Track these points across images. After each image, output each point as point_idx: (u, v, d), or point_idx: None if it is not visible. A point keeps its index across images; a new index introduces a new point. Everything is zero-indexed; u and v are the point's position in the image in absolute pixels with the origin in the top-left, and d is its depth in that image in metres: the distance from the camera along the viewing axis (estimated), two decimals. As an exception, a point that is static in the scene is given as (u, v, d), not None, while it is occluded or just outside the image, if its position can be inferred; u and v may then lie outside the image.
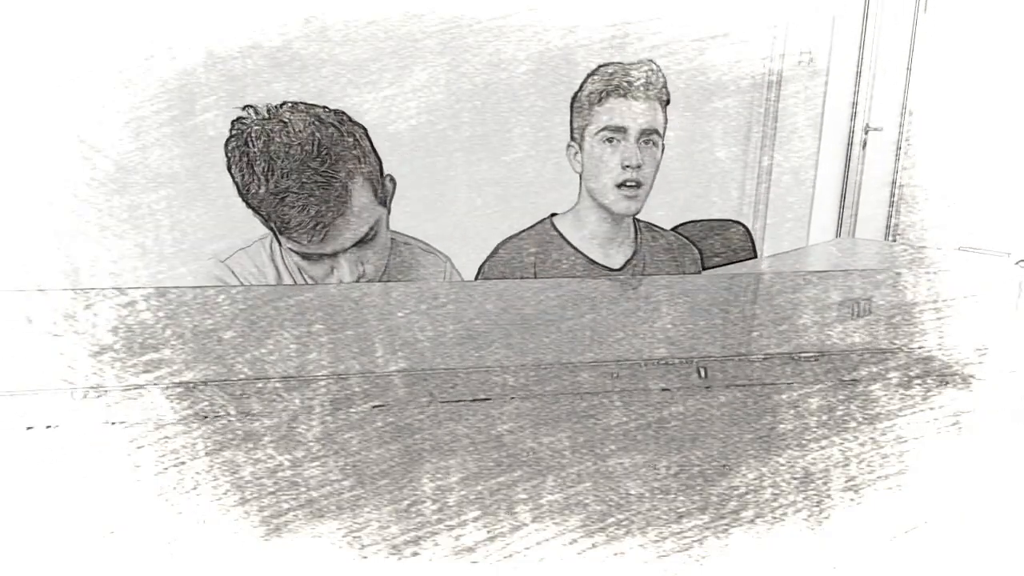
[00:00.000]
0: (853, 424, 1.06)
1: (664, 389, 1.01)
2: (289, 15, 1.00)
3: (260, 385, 0.87)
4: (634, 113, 1.33)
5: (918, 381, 1.06)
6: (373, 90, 1.02)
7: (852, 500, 1.06)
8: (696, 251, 1.52)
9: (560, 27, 1.02)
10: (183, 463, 0.92)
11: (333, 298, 1.02)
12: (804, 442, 1.08)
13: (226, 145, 1.10)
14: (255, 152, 1.07)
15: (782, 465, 1.06)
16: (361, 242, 1.16)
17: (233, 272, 1.25)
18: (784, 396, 1.04)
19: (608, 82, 1.33)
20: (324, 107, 1.14)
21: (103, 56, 0.99)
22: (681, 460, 1.02)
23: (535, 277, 1.36)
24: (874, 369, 1.05)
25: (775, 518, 1.06)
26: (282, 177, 1.07)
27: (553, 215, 1.48)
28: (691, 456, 1.01)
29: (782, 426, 1.05)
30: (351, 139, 1.12)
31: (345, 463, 0.95)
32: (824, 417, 1.08)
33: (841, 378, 1.02)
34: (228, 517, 0.93)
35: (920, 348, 1.07)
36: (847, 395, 1.08)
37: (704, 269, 1.59)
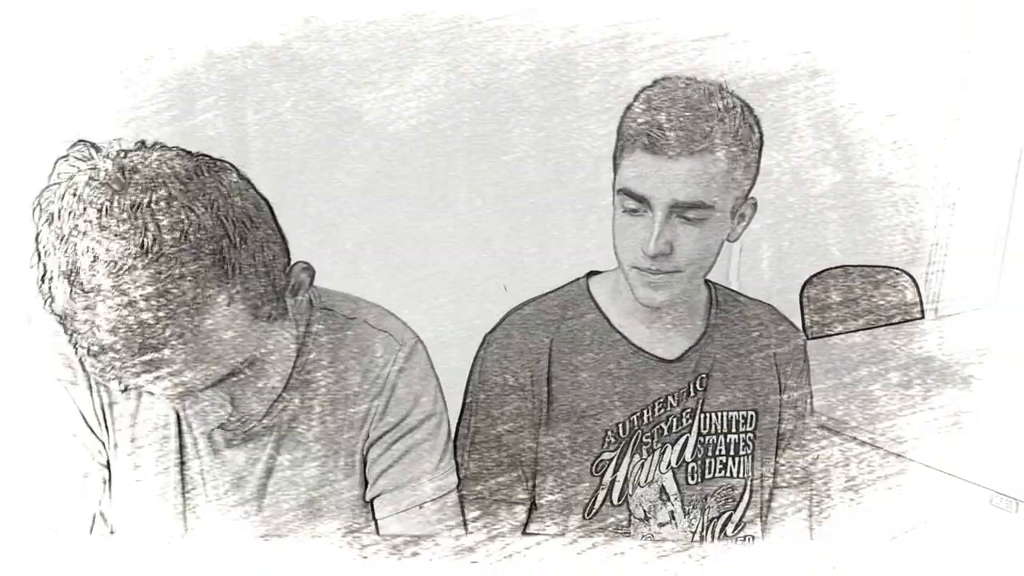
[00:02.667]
0: (853, 424, 1.06)
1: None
2: (289, 15, 1.00)
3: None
4: (665, 179, 0.89)
5: (918, 381, 1.06)
6: (373, 90, 1.02)
7: (852, 500, 1.06)
8: (800, 336, 1.05)
9: (560, 27, 1.02)
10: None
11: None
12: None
13: (39, 195, 0.77)
14: (56, 226, 0.74)
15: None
16: (228, 377, 0.80)
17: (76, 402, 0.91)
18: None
19: (633, 119, 0.91)
20: (208, 168, 0.77)
21: (103, 56, 0.99)
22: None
23: (550, 364, 0.98)
24: (874, 369, 1.05)
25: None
26: (90, 265, 0.72)
27: (591, 275, 1.05)
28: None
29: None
30: (219, 232, 0.74)
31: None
32: (824, 417, 1.08)
33: (841, 379, 1.02)
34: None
35: (920, 348, 1.07)
36: (847, 395, 1.08)
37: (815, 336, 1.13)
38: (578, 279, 1.04)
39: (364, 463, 0.95)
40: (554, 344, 1.00)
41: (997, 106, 1.06)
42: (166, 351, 0.75)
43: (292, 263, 0.85)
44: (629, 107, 0.94)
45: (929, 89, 1.03)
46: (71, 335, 0.76)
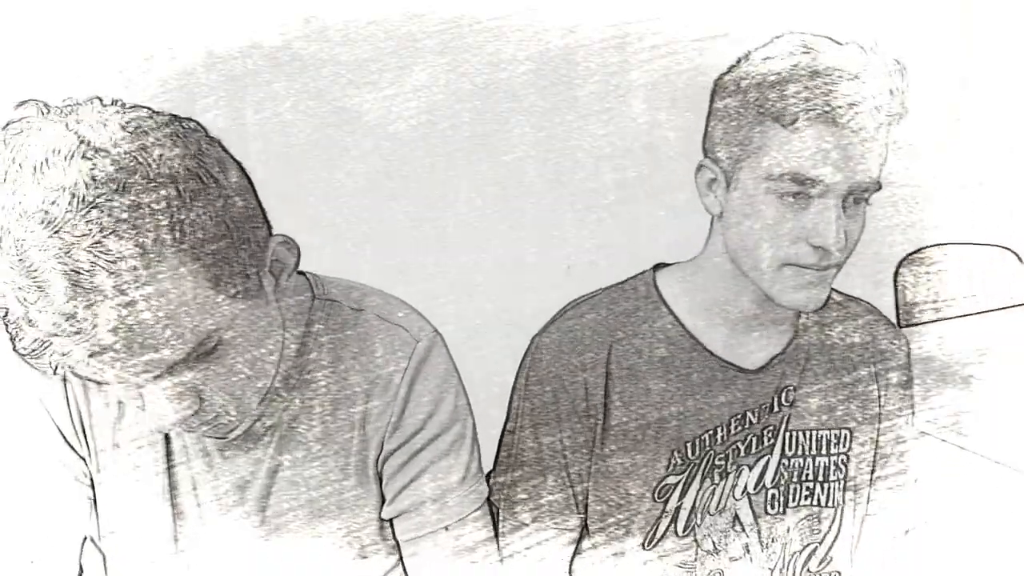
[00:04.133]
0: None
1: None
2: (289, 15, 1.00)
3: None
4: (848, 157, 0.75)
5: (918, 381, 1.06)
6: (373, 90, 1.02)
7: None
8: (905, 342, 0.91)
9: (560, 27, 1.02)
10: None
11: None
12: (834, 419, 1.07)
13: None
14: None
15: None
16: (189, 361, 0.70)
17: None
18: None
19: (810, 84, 0.75)
20: (155, 113, 0.69)
21: (103, 56, 0.99)
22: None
23: (608, 373, 0.84)
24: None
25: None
26: (16, 248, 0.63)
27: (659, 267, 0.92)
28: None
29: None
30: (166, 191, 0.65)
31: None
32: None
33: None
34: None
35: (920, 348, 1.07)
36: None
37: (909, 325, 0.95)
38: (643, 272, 0.90)
39: (380, 478, 0.86)
40: (613, 350, 0.86)
41: (997, 106, 1.06)
42: (100, 332, 0.65)
43: (271, 239, 0.76)
44: (747, 61, 0.79)
45: (929, 89, 1.03)
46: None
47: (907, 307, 0.97)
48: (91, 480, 0.88)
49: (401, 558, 0.89)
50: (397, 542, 0.87)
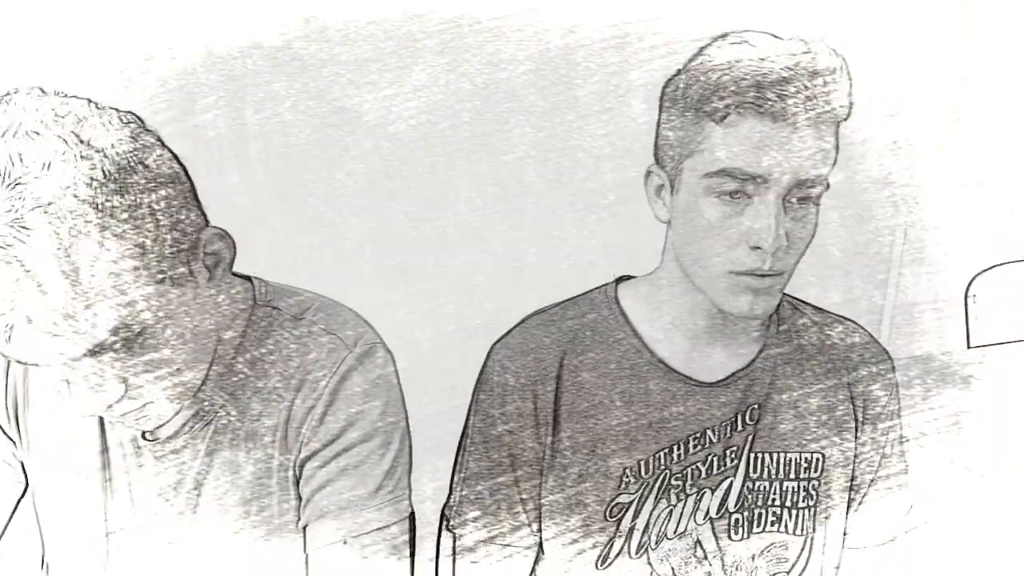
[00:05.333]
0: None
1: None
2: (289, 15, 1.00)
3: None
4: (785, 150, 0.73)
5: (918, 381, 1.06)
6: (373, 90, 1.02)
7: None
8: (889, 365, 0.87)
9: (560, 27, 1.02)
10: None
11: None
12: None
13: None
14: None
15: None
16: (109, 347, 0.70)
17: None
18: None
19: (739, 80, 0.72)
20: (65, 97, 0.72)
21: (103, 56, 0.99)
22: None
23: (558, 382, 0.81)
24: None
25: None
26: None
27: (621, 280, 0.90)
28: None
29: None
30: (87, 164, 0.67)
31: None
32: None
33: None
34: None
35: (920, 348, 1.07)
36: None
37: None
38: (606, 284, 0.88)
39: (297, 483, 0.85)
40: (565, 361, 0.84)
41: (997, 106, 1.06)
42: (18, 305, 0.66)
43: (205, 230, 0.77)
44: (692, 62, 0.77)
45: (929, 89, 1.03)
46: None
47: (977, 326, 0.92)
48: (22, 465, 0.88)
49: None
50: (306, 556, 0.85)
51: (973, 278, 0.93)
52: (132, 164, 0.71)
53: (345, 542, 0.82)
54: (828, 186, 0.77)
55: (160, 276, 0.72)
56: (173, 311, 0.74)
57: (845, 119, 0.77)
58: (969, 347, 0.92)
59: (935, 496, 1.06)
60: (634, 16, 1.01)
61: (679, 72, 0.79)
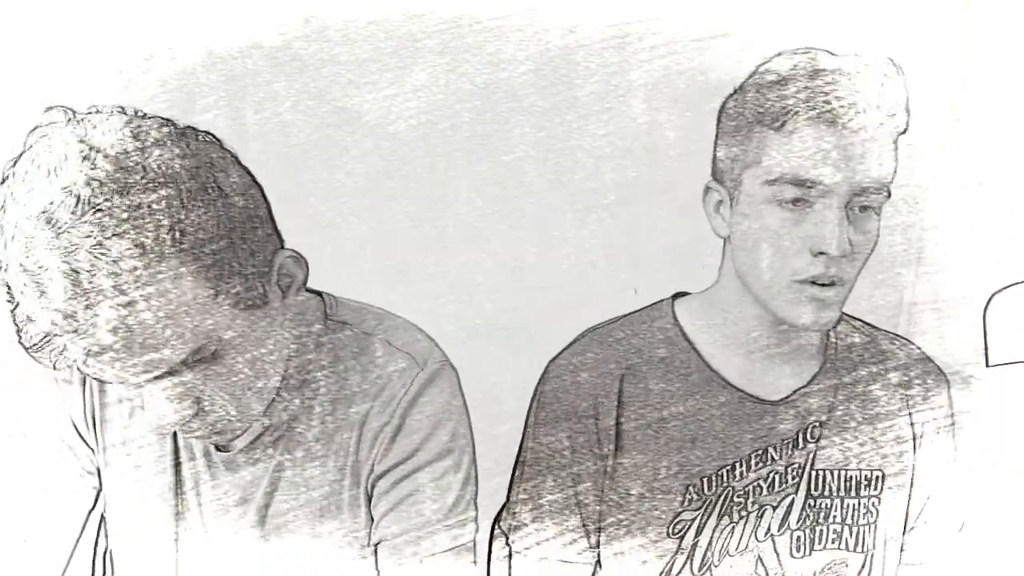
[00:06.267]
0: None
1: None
2: (289, 15, 1.00)
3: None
4: (847, 157, 0.74)
5: (918, 381, 1.06)
6: (373, 90, 1.02)
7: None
8: (943, 382, 0.87)
9: (560, 27, 1.02)
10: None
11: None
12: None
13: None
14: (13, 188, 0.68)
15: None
16: (189, 365, 0.72)
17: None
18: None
19: (798, 89, 0.73)
20: (154, 119, 0.72)
21: (103, 56, 0.99)
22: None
23: (620, 400, 0.82)
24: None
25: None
26: (26, 247, 0.65)
27: (678, 296, 0.89)
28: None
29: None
30: (167, 191, 0.67)
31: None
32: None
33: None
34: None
35: (920, 348, 1.07)
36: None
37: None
38: (662, 301, 0.87)
39: (369, 500, 0.86)
40: (626, 378, 0.83)
41: (997, 106, 1.06)
42: (99, 332, 0.67)
43: (279, 254, 0.78)
44: (752, 78, 0.77)
45: (929, 89, 1.03)
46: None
47: (996, 343, 0.90)
48: (99, 473, 0.90)
49: None
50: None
51: (993, 295, 0.92)
52: (203, 181, 0.71)
53: (421, 562, 0.82)
54: (890, 195, 0.78)
55: (235, 294, 0.73)
56: (247, 331, 0.75)
57: (904, 131, 0.77)
58: (988, 365, 0.89)
59: (935, 496, 1.06)
60: (634, 16, 1.01)
61: (736, 91, 0.80)
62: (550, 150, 1.04)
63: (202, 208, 0.70)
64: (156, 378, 0.72)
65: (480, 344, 1.06)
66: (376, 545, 0.86)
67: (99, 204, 0.66)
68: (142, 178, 0.68)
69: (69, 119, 0.71)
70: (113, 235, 0.66)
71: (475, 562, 0.85)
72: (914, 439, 0.86)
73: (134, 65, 0.99)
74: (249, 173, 0.78)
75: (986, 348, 0.90)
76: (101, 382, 0.85)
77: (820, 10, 1.01)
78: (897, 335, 0.88)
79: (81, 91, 0.99)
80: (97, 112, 0.73)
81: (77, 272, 0.66)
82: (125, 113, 0.73)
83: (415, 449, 0.83)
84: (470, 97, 1.03)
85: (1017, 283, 0.92)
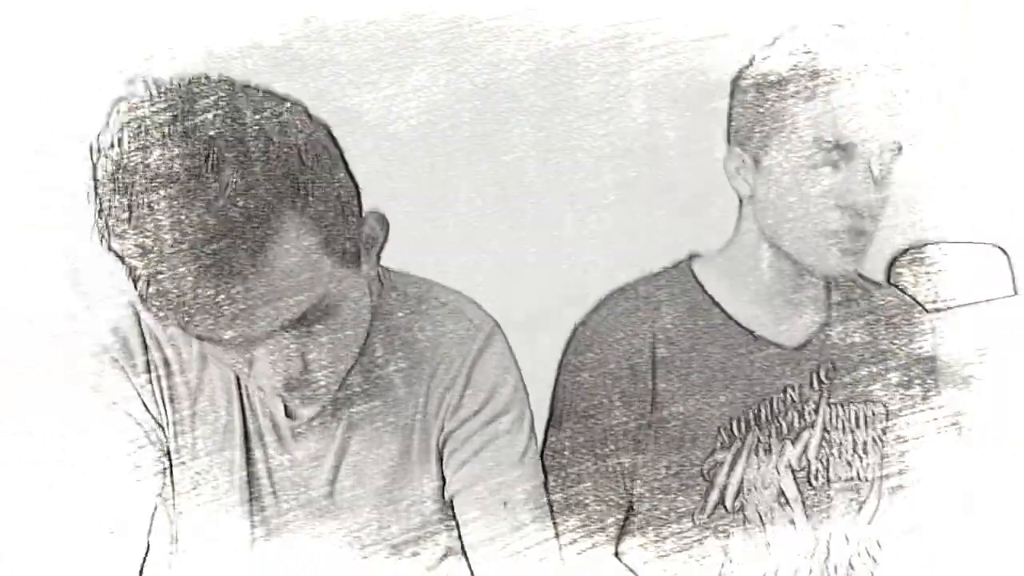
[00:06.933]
0: (860, 363, 1.05)
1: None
2: (289, 15, 1.00)
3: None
4: (873, 118, 0.81)
5: (918, 381, 1.06)
6: (373, 90, 1.02)
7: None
8: (925, 318, 0.96)
9: (560, 27, 1.02)
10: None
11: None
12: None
13: (94, 147, 0.72)
14: (124, 160, 0.69)
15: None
16: (300, 323, 0.73)
17: (139, 321, 0.85)
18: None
19: (822, 57, 0.80)
20: (265, 91, 0.77)
21: (103, 56, 0.99)
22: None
23: (653, 357, 0.88)
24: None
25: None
26: (148, 210, 0.67)
27: (693, 257, 0.96)
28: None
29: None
30: (289, 153, 0.71)
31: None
32: (886, 371, 1.07)
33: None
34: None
35: (920, 348, 1.07)
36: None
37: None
38: (680, 262, 0.95)
39: (440, 458, 0.89)
40: (657, 336, 0.90)
41: (997, 106, 1.06)
42: (238, 290, 0.68)
43: (366, 212, 0.81)
44: (765, 58, 0.84)
45: (929, 89, 1.03)
46: (136, 281, 0.71)
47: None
48: (167, 452, 0.90)
49: (461, 539, 0.90)
50: (457, 522, 0.89)
51: (895, 259, 1.02)
52: (323, 146, 0.76)
53: (505, 504, 0.86)
54: (902, 151, 0.84)
55: (343, 255, 0.75)
56: (348, 290, 0.77)
57: (909, 91, 0.83)
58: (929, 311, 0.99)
59: (935, 496, 1.06)
60: (634, 16, 1.01)
61: (750, 63, 0.87)
62: (550, 150, 1.05)
63: (328, 176, 0.75)
64: (271, 334, 0.72)
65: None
66: (452, 498, 0.88)
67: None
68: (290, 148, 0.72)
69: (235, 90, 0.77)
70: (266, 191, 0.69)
71: (546, 502, 0.89)
72: (908, 369, 0.95)
73: (134, 65, 0.99)
74: (334, 141, 0.81)
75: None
76: (166, 363, 0.86)
77: (819, 11, 1.01)
78: (879, 283, 0.97)
79: (81, 91, 0.99)
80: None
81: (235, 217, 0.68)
82: (274, 97, 0.78)
83: (483, 404, 0.87)
84: (470, 97, 1.03)
85: (922, 245, 1.00)
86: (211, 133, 0.70)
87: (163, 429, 0.88)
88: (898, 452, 1.03)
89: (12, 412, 0.96)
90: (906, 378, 0.98)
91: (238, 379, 0.86)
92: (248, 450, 0.88)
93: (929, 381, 0.98)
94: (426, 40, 1.01)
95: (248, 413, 0.88)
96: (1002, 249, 0.98)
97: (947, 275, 1.02)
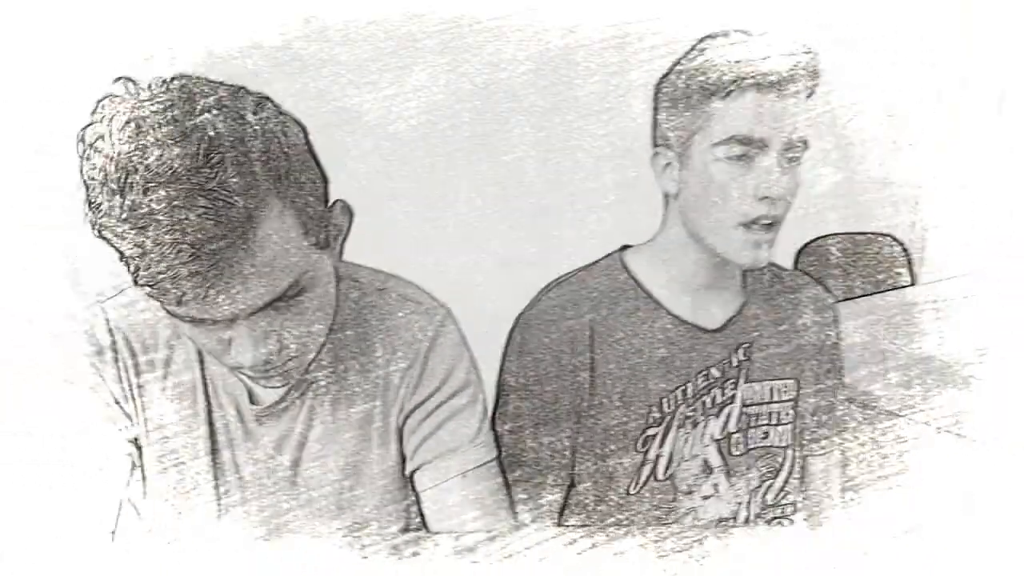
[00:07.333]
0: (853, 424, 1.07)
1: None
2: (289, 15, 1.00)
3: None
4: (780, 116, 0.90)
5: (918, 381, 1.06)
6: (373, 90, 1.02)
7: (852, 500, 1.06)
8: (833, 303, 1.06)
9: (560, 27, 1.02)
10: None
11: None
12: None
13: (81, 135, 0.76)
14: (111, 150, 0.72)
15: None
16: (276, 303, 0.78)
17: (107, 319, 0.91)
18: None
19: (735, 63, 0.90)
20: (240, 88, 0.80)
21: (103, 56, 0.99)
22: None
23: (591, 341, 0.97)
24: (874, 369, 1.05)
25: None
26: (143, 194, 0.70)
27: (625, 248, 1.05)
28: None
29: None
30: (271, 143, 0.76)
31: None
32: (824, 417, 1.08)
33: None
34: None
35: (920, 348, 1.07)
36: (847, 395, 1.08)
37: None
38: (612, 253, 1.02)
39: (400, 437, 0.94)
40: (593, 322, 0.99)
41: (997, 106, 1.06)
42: (229, 269, 0.73)
43: (334, 201, 0.86)
44: (686, 58, 0.93)
45: (929, 89, 1.03)
46: (126, 262, 0.75)
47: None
48: (136, 442, 0.95)
49: (422, 514, 0.95)
50: (417, 497, 0.95)
51: (800, 250, 1.10)
52: (294, 139, 0.81)
53: (464, 475, 0.93)
54: (808, 146, 0.93)
55: (315, 239, 0.81)
56: (318, 273, 0.82)
57: (811, 95, 0.93)
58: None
59: (935, 496, 1.06)
60: (634, 16, 1.01)
61: (671, 70, 0.95)
62: (550, 150, 1.05)
63: (297, 159, 0.80)
64: (251, 314, 0.77)
65: (480, 344, 1.05)
66: (413, 473, 0.94)
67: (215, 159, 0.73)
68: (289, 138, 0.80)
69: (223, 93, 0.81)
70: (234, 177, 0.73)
71: (501, 475, 0.96)
72: (816, 346, 1.04)
73: (134, 65, 0.99)
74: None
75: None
76: (132, 352, 0.91)
77: (819, 10, 1.01)
78: (792, 269, 1.06)
79: (81, 91, 0.99)
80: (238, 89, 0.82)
81: (221, 205, 0.72)
82: (252, 93, 0.82)
83: (441, 383, 0.93)
84: (470, 97, 1.03)
85: (819, 238, 1.08)
86: (209, 132, 0.74)
87: (132, 421, 0.94)
88: (898, 452, 1.03)
89: (12, 412, 0.96)
90: (817, 356, 1.05)
91: (203, 373, 0.91)
92: (213, 439, 0.93)
93: (836, 360, 1.06)
94: (426, 40, 1.01)
95: (213, 404, 0.92)
96: (897, 240, 1.06)
97: (848, 266, 1.10)
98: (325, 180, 0.86)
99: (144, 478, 0.95)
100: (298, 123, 0.84)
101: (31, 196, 0.98)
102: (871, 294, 1.13)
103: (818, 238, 1.08)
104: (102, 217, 0.73)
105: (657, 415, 1.00)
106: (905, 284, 1.12)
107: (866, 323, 1.06)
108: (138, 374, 0.92)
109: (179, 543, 0.93)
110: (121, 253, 0.74)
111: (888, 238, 1.09)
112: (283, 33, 1.00)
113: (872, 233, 1.08)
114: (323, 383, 0.93)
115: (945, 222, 1.08)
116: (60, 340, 0.96)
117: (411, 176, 1.05)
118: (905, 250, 1.09)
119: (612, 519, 1.02)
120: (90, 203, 0.75)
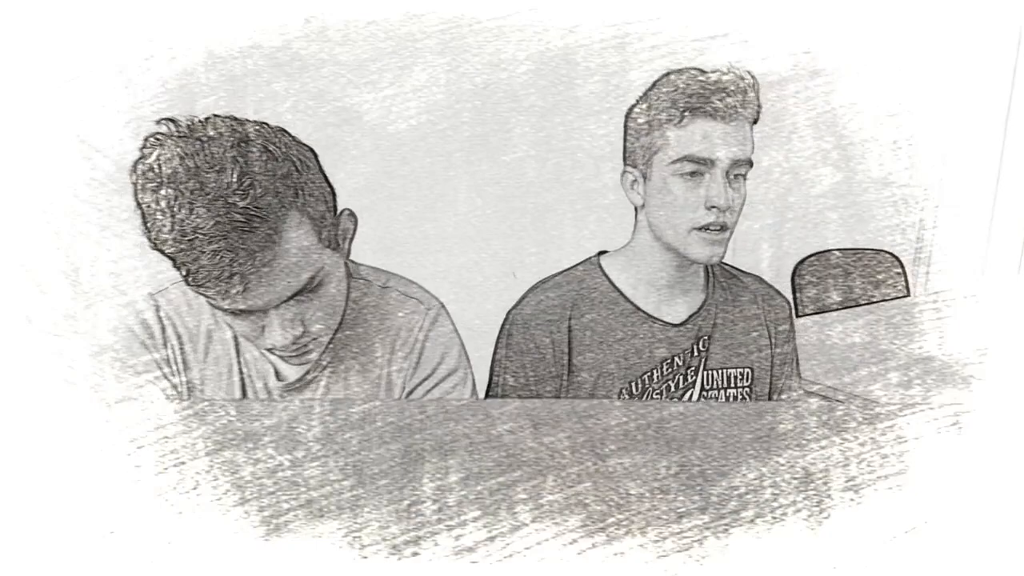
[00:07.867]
0: (853, 424, 1.07)
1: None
2: (289, 15, 1.00)
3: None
4: (725, 140, 1.07)
5: (918, 381, 1.06)
6: (373, 90, 1.02)
7: (852, 500, 1.06)
8: (785, 303, 1.18)
9: (560, 27, 1.02)
10: (183, 463, 0.92)
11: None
12: (804, 442, 1.08)
13: (134, 167, 0.94)
14: (163, 178, 0.92)
15: (782, 465, 1.06)
16: (299, 295, 0.98)
17: (158, 308, 1.04)
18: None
19: (688, 96, 1.06)
20: (262, 124, 0.99)
21: (103, 56, 0.99)
22: (681, 460, 1.02)
23: (570, 331, 1.14)
24: (874, 369, 1.05)
25: (775, 518, 1.06)
26: (190, 213, 0.91)
27: (602, 253, 1.16)
28: (691, 456, 1.01)
29: (782, 426, 1.05)
30: (288, 165, 0.96)
31: (345, 463, 0.95)
32: (824, 417, 1.08)
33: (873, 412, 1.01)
34: (228, 517, 0.93)
35: (920, 348, 1.07)
36: (847, 395, 1.08)
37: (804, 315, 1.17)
38: (590, 258, 1.14)
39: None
40: (573, 318, 1.14)
41: (997, 107, 1.06)
42: (262, 269, 0.94)
43: (341, 209, 1.03)
44: (651, 91, 1.07)
45: (929, 89, 1.03)
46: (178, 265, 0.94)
47: (802, 300, 1.22)
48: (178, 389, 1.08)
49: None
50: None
51: (801, 262, 1.19)
52: (304, 156, 1.00)
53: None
54: (752, 165, 1.10)
55: (327, 239, 1.00)
56: (331, 269, 1.01)
57: (755, 122, 1.09)
58: (797, 316, 1.19)
59: (935, 496, 1.06)
60: (634, 16, 1.01)
61: (638, 101, 1.07)
62: (550, 150, 1.05)
63: (315, 182, 1.00)
64: (280, 304, 0.97)
65: (480, 344, 1.06)
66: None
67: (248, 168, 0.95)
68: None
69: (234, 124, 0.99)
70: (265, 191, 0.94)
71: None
72: (769, 339, 1.19)
73: (134, 65, 0.99)
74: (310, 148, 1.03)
75: (795, 301, 1.20)
76: (178, 337, 1.06)
77: (820, 11, 1.01)
78: (750, 273, 1.19)
79: (81, 91, 0.99)
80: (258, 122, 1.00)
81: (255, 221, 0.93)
82: (271, 127, 1.00)
83: (436, 366, 1.08)
84: (470, 97, 1.03)
85: (817, 253, 1.16)
86: (241, 161, 0.94)
87: (176, 388, 1.08)
88: (898, 452, 1.03)
89: (12, 412, 0.96)
90: (772, 344, 1.18)
91: (238, 353, 1.06)
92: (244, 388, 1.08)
93: (788, 346, 1.19)
94: (426, 40, 1.01)
95: (246, 380, 1.06)
96: (894, 255, 1.13)
97: (849, 279, 1.17)
98: (333, 193, 1.02)
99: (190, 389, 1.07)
100: (310, 148, 1.01)
101: (31, 196, 0.98)
102: (869, 303, 1.18)
103: (816, 253, 1.17)
104: (157, 234, 0.92)
105: (627, 396, 1.14)
106: (901, 295, 1.16)
107: (866, 323, 1.06)
108: (183, 354, 1.05)
109: (179, 543, 0.93)
110: (174, 260, 0.93)
111: (885, 253, 1.17)
112: (283, 33, 1.00)
113: (871, 249, 1.15)
114: (337, 363, 1.07)
115: (945, 222, 1.08)
116: (60, 340, 0.96)
117: (411, 176, 1.05)
118: (901, 265, 1.15)
119: (612, 519, 1.02)
120: (146, 223, 0.93)
